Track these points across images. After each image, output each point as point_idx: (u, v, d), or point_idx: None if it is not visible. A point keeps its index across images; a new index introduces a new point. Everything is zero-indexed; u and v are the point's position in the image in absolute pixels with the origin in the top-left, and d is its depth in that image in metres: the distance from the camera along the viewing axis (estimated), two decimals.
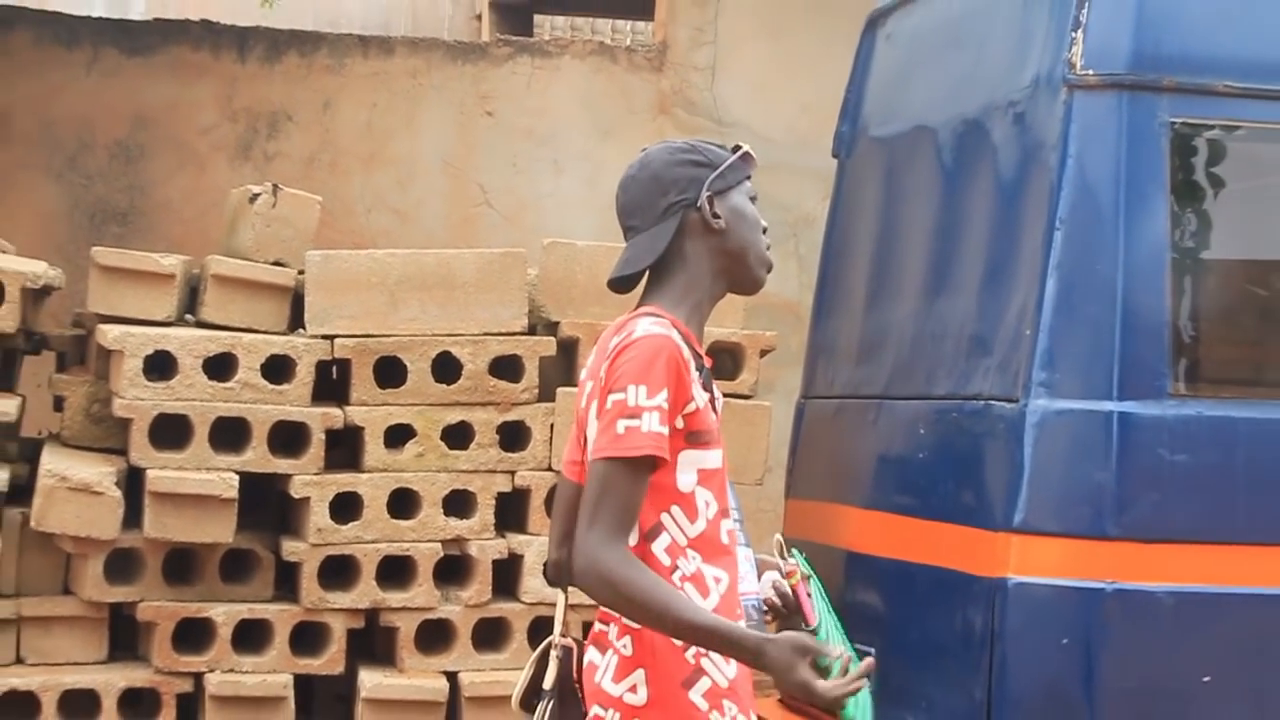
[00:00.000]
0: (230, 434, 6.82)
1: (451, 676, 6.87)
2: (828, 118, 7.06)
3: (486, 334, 6.98)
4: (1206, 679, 5.03)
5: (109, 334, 6.80)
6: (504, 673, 6.85)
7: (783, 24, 10.76)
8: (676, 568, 3.53)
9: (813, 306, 6.86)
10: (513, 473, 6.97)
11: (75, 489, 6.61)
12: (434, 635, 6.91)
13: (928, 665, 5.50)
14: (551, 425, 6.96)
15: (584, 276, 7.13)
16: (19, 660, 6.75)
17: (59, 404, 7.19)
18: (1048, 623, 5.05)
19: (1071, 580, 5.05)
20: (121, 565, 6.79)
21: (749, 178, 3.80)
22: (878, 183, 6.45)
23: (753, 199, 3.79)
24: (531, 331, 7.07)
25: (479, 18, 15.27)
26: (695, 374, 3.57)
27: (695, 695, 3.53)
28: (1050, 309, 5.14)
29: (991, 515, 5.20)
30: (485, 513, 6.94)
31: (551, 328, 7.10)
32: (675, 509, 3.53)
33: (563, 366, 7.10)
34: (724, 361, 7.11)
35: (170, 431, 6.77)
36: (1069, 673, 5.06)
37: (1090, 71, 5.20)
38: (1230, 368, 5.35)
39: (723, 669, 3.54)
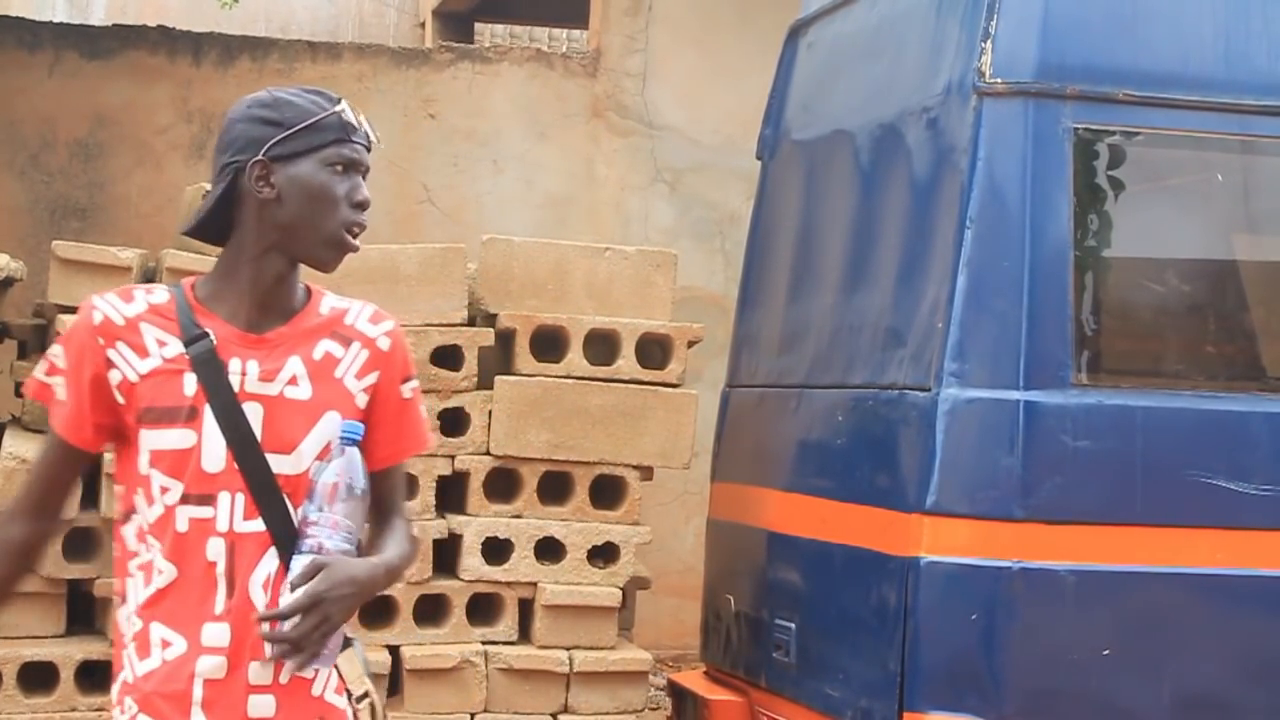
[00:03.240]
0: None
1: (394, 650, 6.83)
2: (753, 122, 7.05)
3: (428, 325, 6.93)
4: (1106, 651, 5.04)
5: (67, 324, 6.71)
6: (443, 646, 6.83)
7: (710, 33, 10.75)
8: (137, 554, 3.11)
9: (737, 300, 6.85)
10: (452, 457, 6.93)
11: None
12: (377, 610, 6.85)
13: (845, 639, 5.50)
14: (490, 412, 6.92)
15: (521, 271, 7.10)
16: None
17: (19, 390, 7.11)
18: (958, 599, 5.06)
19: (980, 559, 5.06)
20: (79, 543, 6.72)
21: (336, 143, 3.17)
22: (799, 183, 6.45)
23: (343, 168, 3.17)
24: (471, 323, 7.03)
25: (422, 25, 15.24)
26: (152, 345, 3.10)
27: (114, 687, 3.16)
28: (961, 303, 5.14)
29: (905, 498, 5.20)
30: (426, 494, 6.90)
31: (490, 319, 7.06)
32: (140, 491, 3.07)
33: (501, 356, 7.06)
34: (653, 351, 7.09)
35: None
36: (977, 646, 5.07)
37: (998, 80, 5.21)
38: (1129, 359, 5.37)
39: (134, 664, 3.08)
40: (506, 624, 6.93)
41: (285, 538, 3.04)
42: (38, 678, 6.63)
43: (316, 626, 2.93)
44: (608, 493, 7.05)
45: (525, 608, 6.97)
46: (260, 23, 12.56)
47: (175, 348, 3.10)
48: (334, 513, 3.01)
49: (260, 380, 3.10)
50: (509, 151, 10.68)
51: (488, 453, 6.94)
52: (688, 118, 10.71)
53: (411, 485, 6.85)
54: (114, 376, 3.09)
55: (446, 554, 6.95)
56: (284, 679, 3.05)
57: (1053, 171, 5.19)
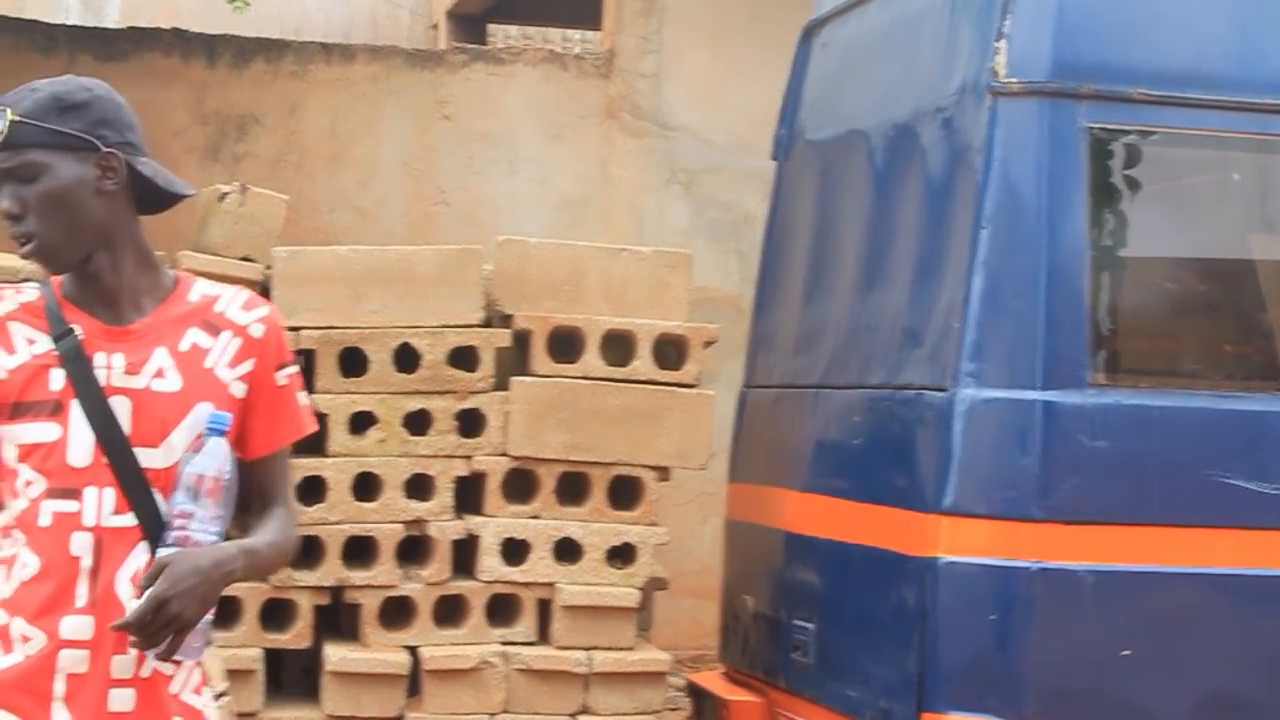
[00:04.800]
0: None
1: (413, 650, 6.83)
2: (767, 122, 7.05)
3: (445, 326, 6.93)
4: (1125, 652, 5.04)
5: None
6: (462, 647, 6.83)
7: (724, 34, 10.76)
8: (0, 548, 3.11)
9: (753, 301, 6.85)
10: (470, 457, 6.94)
11: None
12: (396, 612, 6.87)
13: (863, 640, 5.50)
14: (507, 413, 6.92)
15: (537, 272, 7.10)
16: None
17: None
18: (976, 599, 5.06)
19: (998, 559, 5.06)
20: None
21: None
22: (814, 184, 6.45)
23: None
24: (487, 324, 7.03)
25: (435, 27, 15.25)
26: (20, 342, 3.12)
27: None
28: (977, 304, 5.14)
29: (922, 498, 5.20)
30: (444, 495, 6.90)
31: (506, 320, 7.06)
32: (6, 486, 3.10)
33: (517, 357, 7.06)
34: (669, 352, 7.09)
35: None
36: (996, 646, 5.07)
37: (1013, 79, 5.21)
38: (1146, 359, 5.36)
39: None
40: (525, 625, 6.93)
41: (156, 531, 3.04)
42: None
43: (166, 625, 2.92)
44: (625, 493, 7.05)
45: (544, 608, 6.97)
46: (273, 24, 12.57)
47: (44, 344, 3.11)
48: (200, 505, 3.02)
49: (126, 373, 3.11)
50: (523, 153, 10.69)
51: (505, 454, 6.94)
52: (702, 118, 10.71)
53: (428, 486, 6.87)
54: None
55: (465, 555, 6.95)
56: (145, 672, 3.04)
57: (1068, 171, 5.18)
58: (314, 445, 6.86)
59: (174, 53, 10.40)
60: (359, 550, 6.86)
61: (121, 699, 3.05)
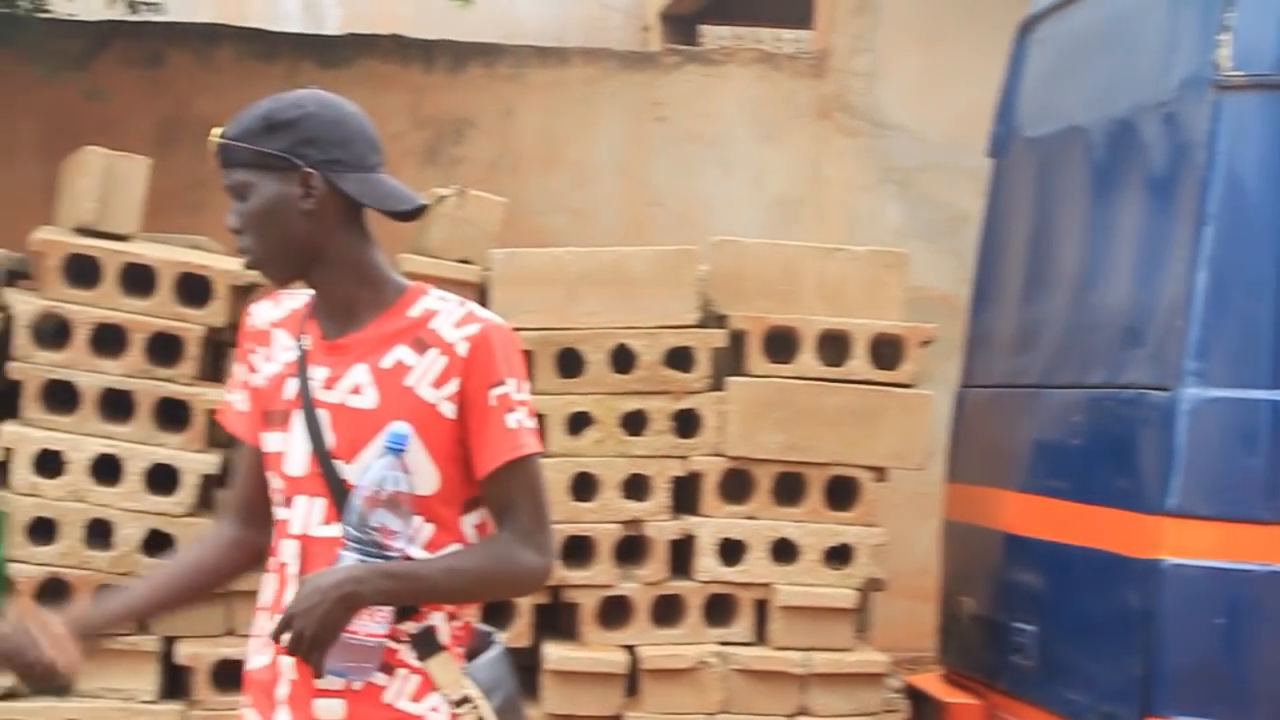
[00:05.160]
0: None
1: (631, 650, 6.88)
2: (982, 120, 6.99)
3: (660, 327, 6.96)
4: None
5: None
6: (680, 646, 6.86)
7: (938, 31, 10.67)
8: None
9: (970, 299, 6.79)
10: (686, 458, 6.96)
11: None
12: (614, 611, 6.92)
13: (1085, 642, 5.43)
14: (723, 413, 6.93)
15: (752, 272, 7.10)
16: (229, 632, 6.82)
17: None
18: (1201, 603, 4.97)
19: (1224, 562, 4.96)
20: None
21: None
22: (1032, 181, 6.38)
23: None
24: (702, 325, 7.05)
25: (647, 29, 15.30)
26: (279, 349, 3.25)
27: None
28: (1201, 301, 5.06)
29: (1146, 499, 5.12)
30: (661, 495, 6.93)
31: (721, 321, 7.07)
32: None
33: (732, 357, 7.07)
34: (885, 352, 7.06)
35: None
36: (1222, 650, 4.98)
37: (1237, 72, 5.11)
38: None
39: (250, 653, 3.26)
40: (742, 625, 6.94)
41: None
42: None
43: (296, 642, 2.99)
44: (842, 494, 7.03)
45: (761, 609, 6.97)
46: (488, 28, 12.68)
47: (292, 353, 3.22)
48: (356, 522, 3.04)
49: (324, 388, 3.16)
50: (736, 153, 10.70)
51: (721, 454, 6.95)
52: (916, 117, 10.64)
53: (645, 486, 6.90)
54: (252, 379, 3.28)
55: (682, 555, 6.98)
56: (356, 684, 3.08)
57: None
58: None
59: (392, 58, 10.56)
60: (577, 550, 6.91)
61: (328, 708, 3.11)
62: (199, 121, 10.18)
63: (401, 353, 3.14)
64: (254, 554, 3.34)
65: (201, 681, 6.71)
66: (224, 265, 6.95)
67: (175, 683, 6.81)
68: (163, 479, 6.74)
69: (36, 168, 9.71)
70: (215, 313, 6.82)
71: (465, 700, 3.14)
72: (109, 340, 6.79)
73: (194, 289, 6.82)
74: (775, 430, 6.94)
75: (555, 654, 6.82)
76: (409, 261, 7.00)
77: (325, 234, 3.15)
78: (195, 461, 6.76)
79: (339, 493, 3.10)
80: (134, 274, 6.82)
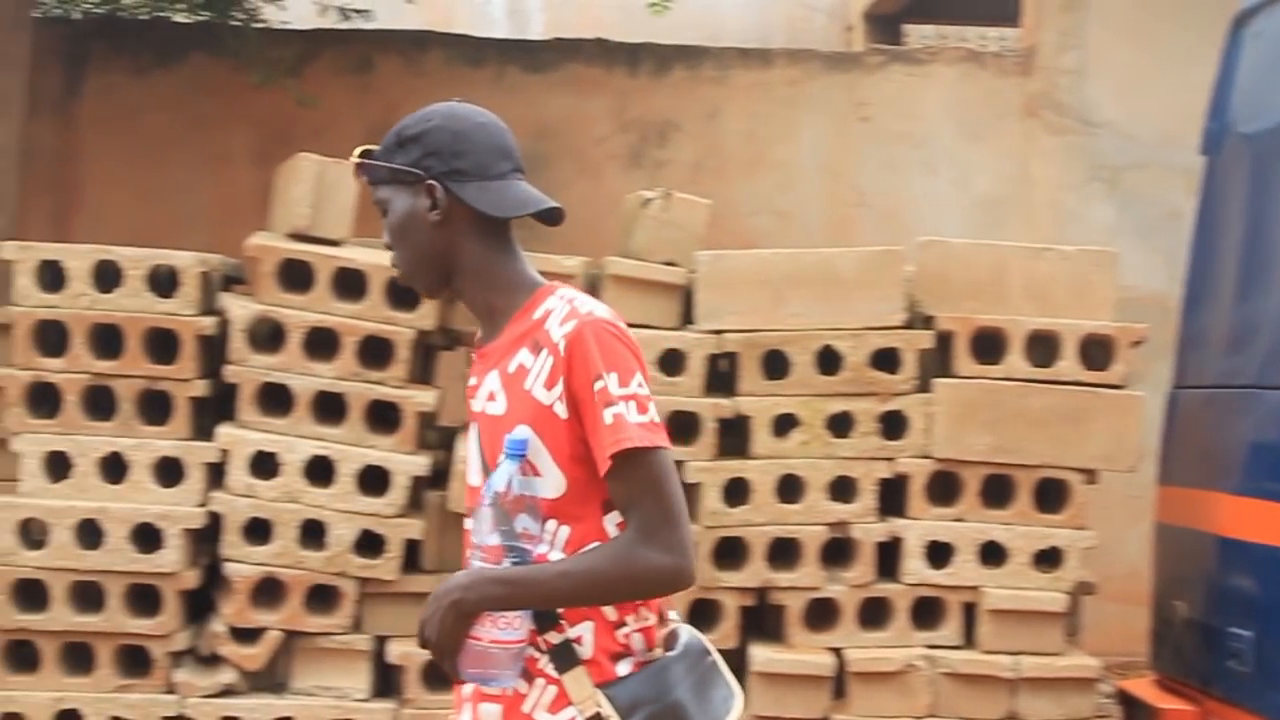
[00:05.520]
0: None
1: (837, 652, 6.85)
2: (1194, 116, 6.86)
3: (866, 328, 6.93)
4: None
5: None
6: (888, 649, 6.82)
7: (1148, 27, 10.50)
8: None
9: (1183, 299, 6.67)
10: (893, 459, 6.92)
11: None
12: (820, 613, 6.90)
13: None
14: (929, 414, 6.88)
15: (958, 272, 7.05)
16: None
17: None
18: None
19: None
20: None
21: None
22: (1246, 178, 6.25)
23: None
24: (909, 326, 7.00)
25: (851, 29, 15.23)
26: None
27: None
28: None
29: None
30: (867, 498, 6.90)
31: (928, 322, 7.03)
32: None
33: (939, 358, 7.02)
34: (1094, 353, 6.96)
35: None
36: None
37: None
38: None
39: None
40: (950, 628, 6.89)
41: (513, 551, 3.10)
42: None
43: (427, 649, 3.08)
44: (1051, 496, 6.94)
45: (969, 612, 6.91)
46: (690, 31, 12.69)
47: None
48: (481, 528, 3.06)
49: (471, 397, 3.22)
50: (942, 153, 10.62)
51: (928, 456, 6.90)
52: (1125, 114, 10.48)
53: (851, 488, 6.87)
54: None
55: (889, 557, 6.94)
56: (508, 690, 3.12)
57: None
58: (738, 448, 6.93)
59: (597, 62, 10.62)
60: (783, 552, 6.90)
61: (488, 712, 3.17)
62: None
63: (523, 356, 3.16)
64: None
65: (412, 680, 6.79)
66: None
67: (387, 681, 6.90)
68: (374, 480, 6.83)
69: (251, 174, 9.91)
70: (425, 316, 6.90)
71: (596, 718, 3.09)
72: (321, 343, 6.90)
73: (404, 292, 6.90)
74: (983, 432, 6.88)
75: (762, 656, 6.82)
76: (615, 264, 7.04)
77: (457, 243, 3.20)
78: (406, 463, 6.84)
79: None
80: (345, 278, 6.92)
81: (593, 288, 7.17)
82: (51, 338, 6.90)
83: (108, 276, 6.91)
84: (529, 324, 3.16)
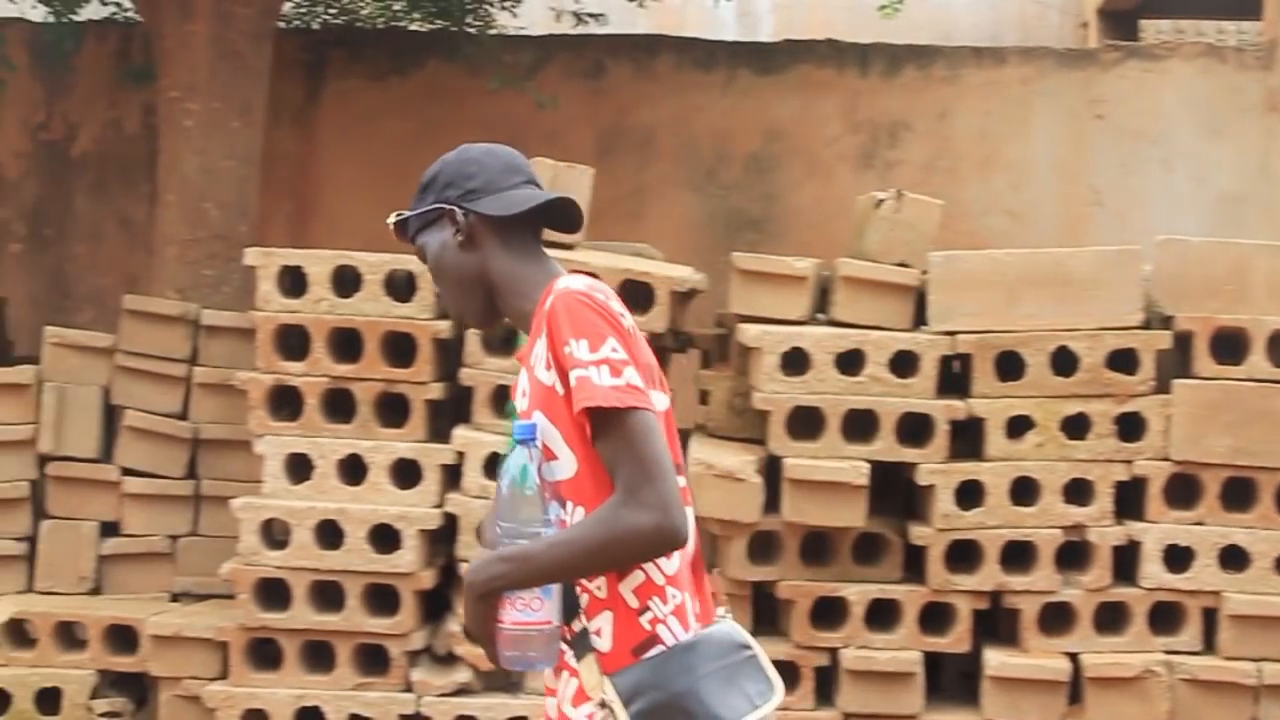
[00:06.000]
0: (860, 425, 6.86)
1: (1073, 657, 6.75)
2: None
3: (1102, 328, 6.82)
4: None
5: (748, 333, 6.92)
6: (1125, 655, 6.71)
7: None
8: None
9: None
10: (1130, 462, 6.80)
11: (720, 476, 6.75)
12: (1056, 617, 6.80)
13: None
14: (1168, 416, 6.76)
15: (1198, 271, 6.91)
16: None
17: (704, 398, 7.35)
18: None
19: None
20: (762, 546, 6.90)
21: None
22: None
23: None
24: (1146, 326, 6.87)
25: (1085, 25, 15.01)
26: None
27: None
28: None
29: None
30: (1104, 500, 6.78)
31: (1166, 322, 6.90)
32: None
33: (1178, 359, 6.89)
34: None
35: (805, 422, 6.85)
36: None
37: None
38: None
39: None
40: (1190, 634, 6.75)
41: None
42: None
43: (469, 638, 3.20)
44: None
45: (1209, 617, 6.77)
46: (922, 31, 12.60)
47: None
48: (499, 516, 3.09)
49: (512, 399, 3.30)
50: (1179, 150, 10.41)
51: (1166, 458, 6.78)
52: None
53: (1087, 491, 6.76)
54: None
55: (1126, 561, 6.82)
56: (549, 682, 3.21)
57: None
58: (972, 450, 6.86)
59: (828, 63, 10.59)
60: (1018, 555, 6.81)
61: (549, 706, 3.23)
62: (639, 130, 10.42)
63: (537, 348, 3.19)
64: None
65: None
66: (665, 272, 7.06)
67: None
68: None
69: None
70: (657, 318, 6.93)
71: (603, 704, 3.09)
72: None
73: (636, 296, 6.93)
74: (1223, 434, 6.74)
75: (996, 660, 6.74)
76: (847, 266, 7.00)
77: (486, 260, 3.30)
78: None
79: None
80: None
81: (824, 289, 7.15)
82: (293, 342, 7.04)
83: (346, 281, 7.03)
84: (539, 318, 3.20)
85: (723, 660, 3.13)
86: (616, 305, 3.16)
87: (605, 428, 3.05)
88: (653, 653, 3.10)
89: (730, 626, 3.21)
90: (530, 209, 3.29)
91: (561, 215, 3.37)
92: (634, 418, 3.05)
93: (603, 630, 3.12)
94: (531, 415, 3.15)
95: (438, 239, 3.32)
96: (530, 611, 3.07)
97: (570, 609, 3.13)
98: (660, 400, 3.17)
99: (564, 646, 3.13)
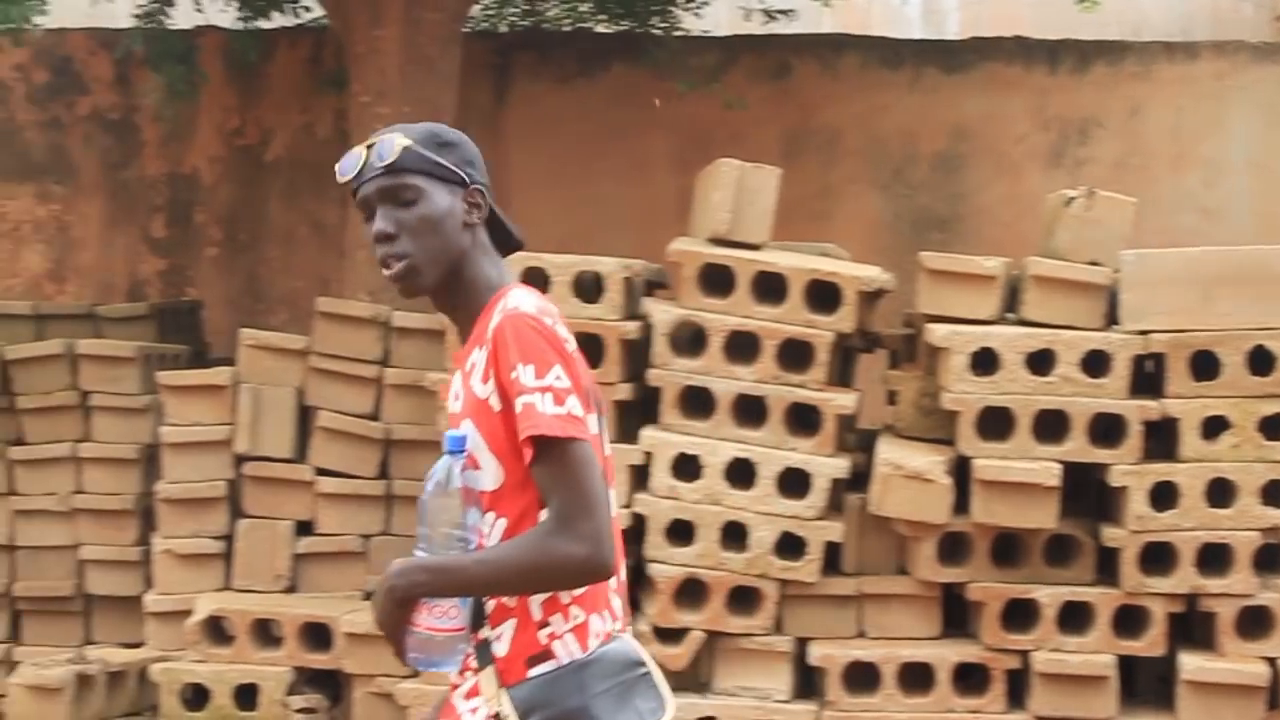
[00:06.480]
0: (1051, 425, 6.78)
1: (1272, 662, 6.63)
2: None
3: None
4: None
5: (937, 333, 6.88)
6: None
7: None
8: None
9: None
10: None
11: (909, 476, 6.72)
12: (1253, 621, 6.68)
13: None
14: None
15: None
16: (861, 634, 6.91)
17: (892, 398, 7.31)
18: None
19: None
20: (952, 547, 6.85)
21: (352, 196, 3.34)
22: None
23: (365, 215, 3.32)
24: None
25: (1279, 18, 14.73)
26: None
27: None
28: None
29: None
30: None
31: None
32: None
33: None
34: None
35: (995, 423, 6.79)
36: None
37: None
38: None
39: None
40: None
41: None
42: (915, 678, 6.79)
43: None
44: None
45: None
46: (1111, 26, 12.43)
47: None
48: (421, 523, 3.14)
49: (445, 399, 3.34)
50: None
51: None
52: None
53: None
54: None
55: None
56: (454, 678, 3.25)
57: None
58: (1166, 450, 6.77)
59: (1015, 60, 10.49)
60: (1214, 558, 6.70)
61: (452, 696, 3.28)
62: (824, 131, 10.40)
63: (476, 355, 3.23)
64: None
65: (834, 682, 6.79)
66: (852, 272, 7.03)
67: (808, 683, 6.92)
68: (794, 482, 6.86)
69: (670, 180, 10.05)
70: (844, 319, 6.90)
71: (497, 717, 3.15)
72: (742, 347, 6.95)
73: (823, 296, 6.92)
74: None
75: (1192, 664, 6.64)
76: (1037, 265, 6.93)
77: (469, 247, 3.30)
78: (826, 465, 6.85)
79: None
80: (765, 282, 6.97)
81: (1014, 289, 7.08)
82: None
83: (534, 283, 7.07)
84: (483, 325, 3.24)
85: (617, 678, 3.18)
86: (562, 330, 3.22)
87: (546, 455, 3.09)
88: (545, 668, 3.15)
89: (626, 644, 3.24)
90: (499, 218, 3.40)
91: (505, 234, 3.44)
92: (575, 448, 3.10)
93: (503, 636, 3.18)
94: (462, 422, 3.20)
95: (446, 201, 3.27)
96: (446, 619, 3.14)
97: (478, 616, 3.19)
98: (594, 424, 3.21)
99: (469, 648, 3.19)
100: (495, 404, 3.16)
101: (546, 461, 3.09)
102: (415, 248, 3.26)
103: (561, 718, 3.13)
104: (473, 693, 3.20)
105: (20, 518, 8.40)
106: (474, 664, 3.20)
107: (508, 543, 3.14)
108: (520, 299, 3.21)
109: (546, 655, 3.16)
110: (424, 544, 3.15)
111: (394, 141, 3.26)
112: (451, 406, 3.29)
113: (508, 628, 3.18)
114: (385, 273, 3.26)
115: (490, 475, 3.18)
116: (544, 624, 3.17)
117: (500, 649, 3.17)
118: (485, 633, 3.18)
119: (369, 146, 3.28)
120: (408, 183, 3.25)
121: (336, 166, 3.32)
